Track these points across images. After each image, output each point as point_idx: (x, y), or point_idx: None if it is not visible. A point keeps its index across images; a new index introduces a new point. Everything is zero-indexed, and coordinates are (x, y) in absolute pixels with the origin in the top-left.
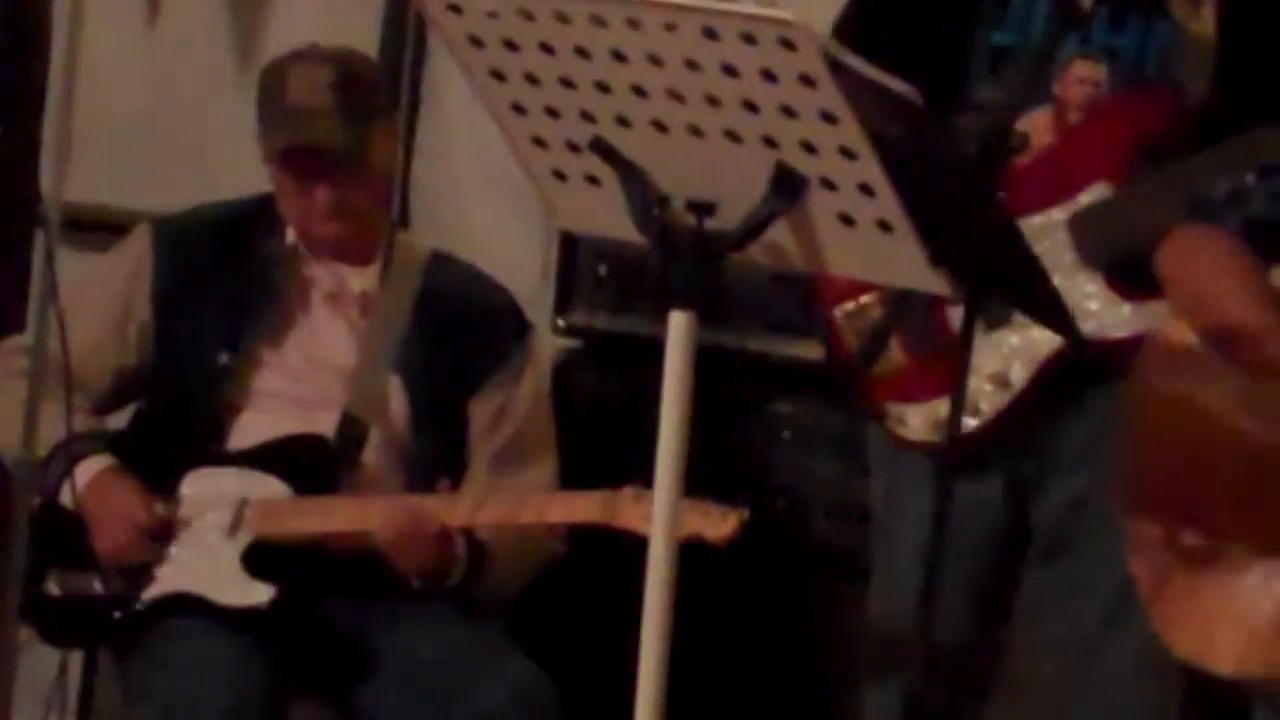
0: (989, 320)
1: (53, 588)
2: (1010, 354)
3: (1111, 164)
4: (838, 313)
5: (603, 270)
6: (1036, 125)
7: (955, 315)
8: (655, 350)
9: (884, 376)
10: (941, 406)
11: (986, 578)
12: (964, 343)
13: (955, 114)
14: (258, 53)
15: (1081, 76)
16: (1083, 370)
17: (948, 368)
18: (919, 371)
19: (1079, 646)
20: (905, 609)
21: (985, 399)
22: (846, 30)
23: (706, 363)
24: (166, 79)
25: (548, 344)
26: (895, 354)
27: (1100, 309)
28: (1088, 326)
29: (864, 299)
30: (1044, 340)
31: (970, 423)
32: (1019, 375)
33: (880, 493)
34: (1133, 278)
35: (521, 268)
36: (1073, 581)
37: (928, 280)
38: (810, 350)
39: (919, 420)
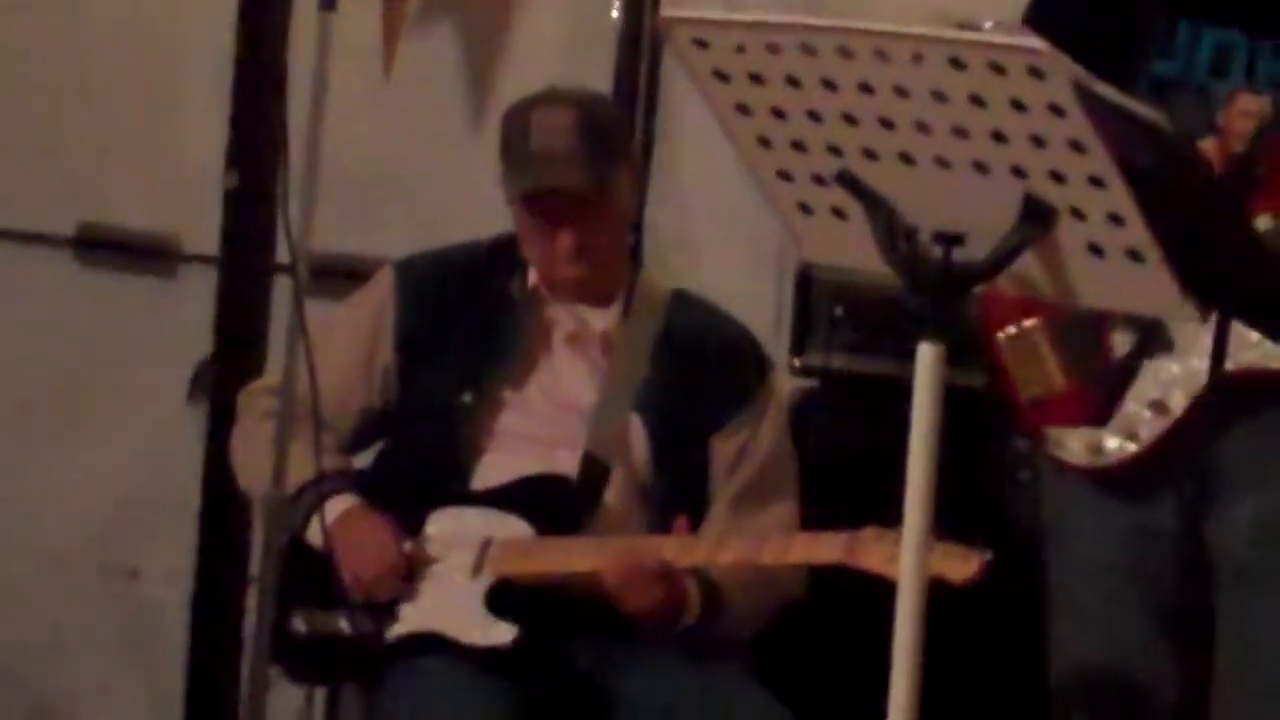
0: (1150, 349)
1: (299, 626)
2: (1171, 381)
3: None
4: (1000, 336)
5: (839, 310)
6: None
7: (1118, 341)
8: (893, 390)
9: (1044, 400)
10: (1100, 431)
11: (1176, 604)
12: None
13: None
14: (492, 99)
15: (1246, 109)
16: (1245, 397)
17: (1107, 393)
18: (1079, 396)
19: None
20: (1090, 632)
21: (1144, 425)
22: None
23: (945, 401)
24: (404, 127)
25: (784, 384)
26: (1056, 378)
27: (1260, 339)
28: (1249, 356)
29: (1027, 323)
30: (1204, 369)
31: (1129, 447)
32: (1178, 402)
33: (1050, 514)
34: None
35: (755, 310)
36: (1269, 617)
37: (1177, 309)
38: None
39: (1078, 444)
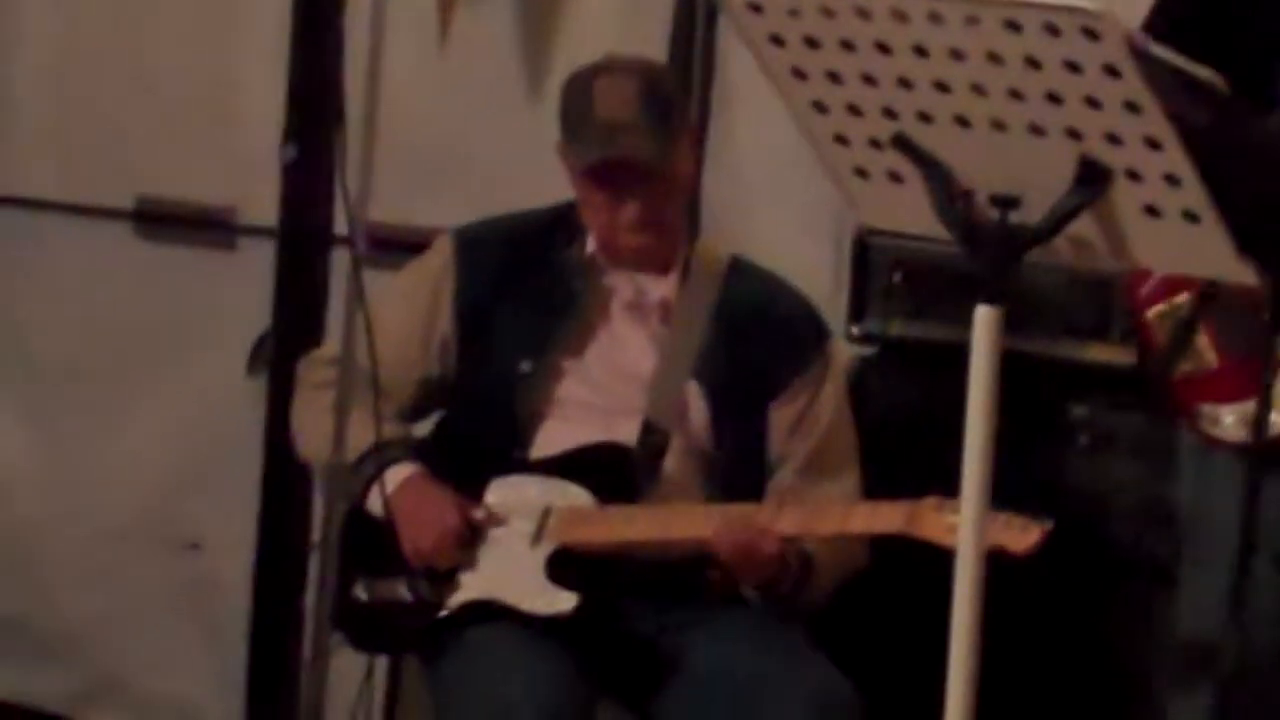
0: None
1: (360, 594)
2: None
3: None
4: (1150, 314)
5: (897, 277)
6: None
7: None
8: (951, 355)
9: (1196, 377)
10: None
11: None
12: (1270, 336)
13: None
14: (548, 67)
15: None
16: None
17: (1262, 366)
18: (1233, 371)
19: None
20: (1216, 613)
21: None
22: (1152, 32)
23: (1003, 367)
24: (460, 96)
25: (843, 352)
26: (1208, 354)
27: None
28: None
29: (1178, 299)
30: None
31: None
32: None
33: (1190, 495)
34: None
35: (811, 278)
36: None
37: (1234, 270)
38: (1106, 353)
39: (1233, 420)
